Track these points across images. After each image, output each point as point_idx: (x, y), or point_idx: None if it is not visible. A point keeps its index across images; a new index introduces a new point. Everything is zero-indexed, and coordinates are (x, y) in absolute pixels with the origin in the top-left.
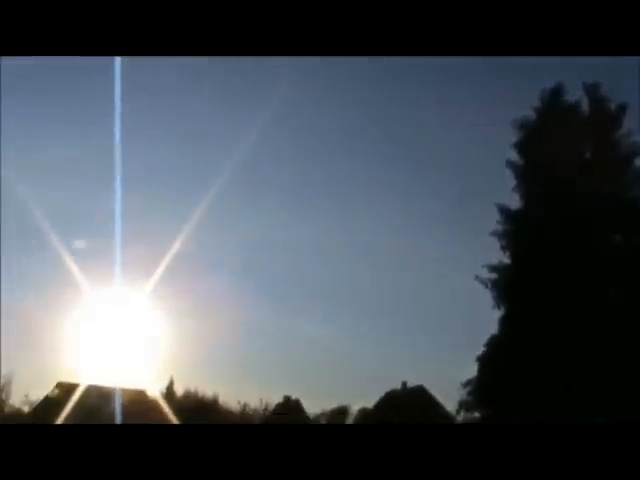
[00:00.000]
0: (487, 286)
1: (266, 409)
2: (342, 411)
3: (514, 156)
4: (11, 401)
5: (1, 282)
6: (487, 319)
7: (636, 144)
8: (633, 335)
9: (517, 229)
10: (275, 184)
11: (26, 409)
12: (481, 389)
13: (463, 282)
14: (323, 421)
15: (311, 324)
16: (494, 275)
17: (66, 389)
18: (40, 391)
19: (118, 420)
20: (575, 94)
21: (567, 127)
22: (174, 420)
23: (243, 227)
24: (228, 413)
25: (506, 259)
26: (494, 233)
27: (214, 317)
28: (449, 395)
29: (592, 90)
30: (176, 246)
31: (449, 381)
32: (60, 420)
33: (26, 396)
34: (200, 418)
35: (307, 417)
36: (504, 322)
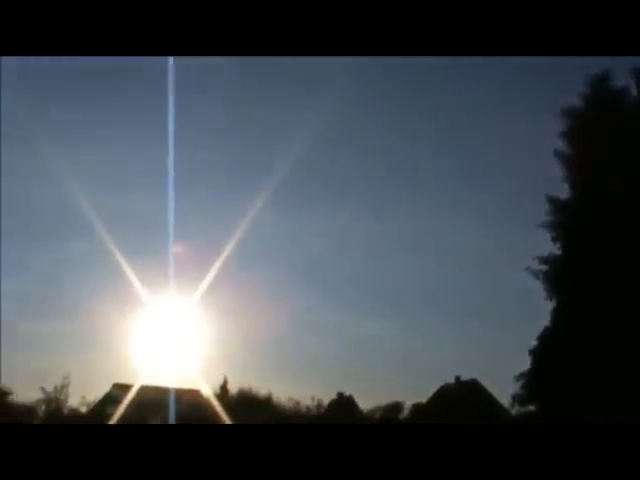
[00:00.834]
0: (538, 278)
1: (319, 406)
2: (396, 406)
3: (561, 145)
4: (69, 403)
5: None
6: (540, 311)
7: None
8: None
9: (567, 220)
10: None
11: (84, 410)
12: (534, 382)
13: (514, 275)
14: (377, 417)
15: (363, 320)
16: (545, 267)
17: (122, 390)
18: (97, 392)
19: (172, 420)
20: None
21: (616, 113)
22: (227, 419)
23: (292, 227)
24: (282, 411)
25: (557, 250)
26: (543, 224)
27: (267, 316)
28: (503, 389)
29: None
30: (230, 246)
31: (503, 374)
32: (115, 420)
33: (83, 397)
34: (253, 416)
35: (361, 413)
36: (556, 314)
